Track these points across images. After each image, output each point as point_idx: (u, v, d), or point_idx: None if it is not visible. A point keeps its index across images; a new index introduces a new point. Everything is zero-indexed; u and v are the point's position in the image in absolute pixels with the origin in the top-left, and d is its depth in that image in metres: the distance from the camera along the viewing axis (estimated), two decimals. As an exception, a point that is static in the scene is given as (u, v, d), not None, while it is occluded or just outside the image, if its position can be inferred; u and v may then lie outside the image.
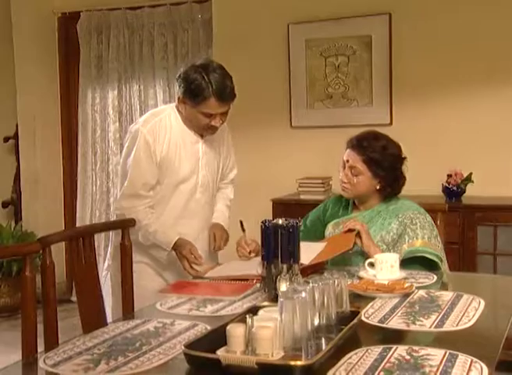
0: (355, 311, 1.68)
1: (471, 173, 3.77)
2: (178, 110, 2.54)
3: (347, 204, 2.58)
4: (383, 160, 2.42)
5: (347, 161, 2.45)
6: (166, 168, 2.50)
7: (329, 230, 2.54)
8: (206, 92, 2.38)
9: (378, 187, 2.45)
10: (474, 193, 3.76)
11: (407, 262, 2.29)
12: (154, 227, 2.49)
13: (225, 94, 2.40)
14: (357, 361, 1.42)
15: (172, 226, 2.54)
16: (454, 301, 1.90)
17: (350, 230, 2.35)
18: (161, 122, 2.51)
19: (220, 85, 2.38)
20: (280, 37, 4.29)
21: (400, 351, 1.47)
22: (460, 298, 1.92)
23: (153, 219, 2.50)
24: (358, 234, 2.33)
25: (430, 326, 1.67)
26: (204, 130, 2.52)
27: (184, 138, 2.54)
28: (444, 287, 2.22)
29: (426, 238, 2.36)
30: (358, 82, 4.15)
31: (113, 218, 2.58)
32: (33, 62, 5.04)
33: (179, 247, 2.46)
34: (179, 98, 2.50)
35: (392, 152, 2.45)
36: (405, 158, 2.48)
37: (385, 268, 2.11)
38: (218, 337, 1.47)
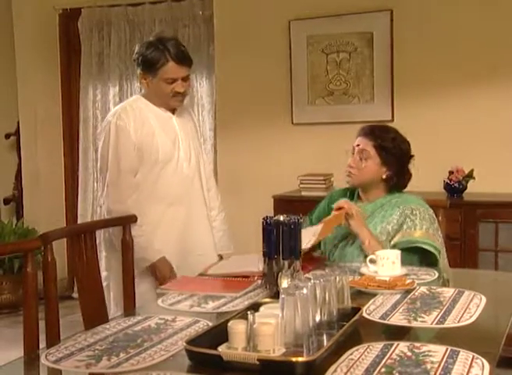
0: (356, 307, 1.67)
1: (472, 170, 3.76)
2: (144, 97, 2.61)
3: (352, 196, 2.58)
4: (394, 148, 2.44)
5: (358, 145, 2.47)
6: (146, 146, 2.52)
7: None
8: (164, 58, 2.48)
9: (384, 177, 2.46)
10: (475, 189, 3.76)
11: (405, 253, 2.28)
12: (138, 240, 2.48)
13: (183, 56, 2.52)
14: (359, 357, 1.42)
15: (164, 211, 2.55)
16: (456, 297, 1.90)
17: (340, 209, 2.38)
18: (128, 107, 2.58)
19: (176, 49, 2.50)
20: (281, 34, 4.28)
21: (402, 347, 1.47)
22: (461, 295, 1.92)
23: (138, 230, 2.49)
24: (347, 216, 2.35)
25: (431, 323, 1.67)
26: (171, 100, 2.56)
27: (157, 117, 2.59)
28: (445, 283, 2.22)
29: (424, 229, 2.36)
30: (360, 79, 4.15)
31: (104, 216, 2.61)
32: (34, 59, 5.04)
33: (157, 268, 2.52)
34: (140, 74, 2.57)
35: (402, 145, 2.47)
36: (413, 155, 2.50)
37: (387, 264, 2.11)
38: (219, 333, 1.47)
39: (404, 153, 2.48)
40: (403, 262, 2.21)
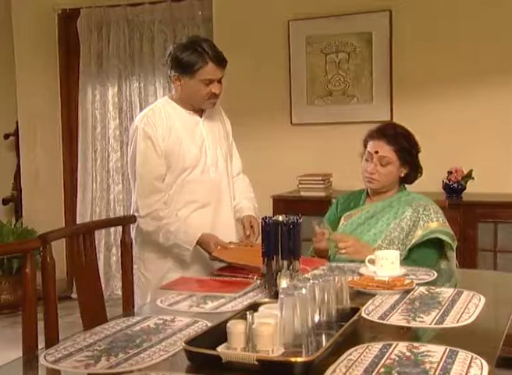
0: (355, 307, 1.67)
1: (471, 170, 3.76)
2: (172, 99, 2.60)
3: (359, 197, 2.61)
4: (411, 147, 2.50)
5: (376, 152, 2.47)
6: (172, 153, 2.51)
7: (342, 222, 2.57)
8: (203, 59, 2.46)
9: (402, 175, 2.51)
10: (474, 190, 3.76)
11: (424, 249, 2.37)
12: (175, 227, 2.48)
13: (221, 57, 2.51)
14: (358, 357, 1.42)
15: (189, 215, 2.54)
16: (454, 297, 1.90)
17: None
18: (156, 112, 2.55)
19: (214, 51, 2.50)
20: (280, 34, 4.28)
21: (401, 347, 1.47)
22: (460, 295, 1.93)
23: (173, 218, 2.50)
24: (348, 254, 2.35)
25: (430, 323, 1.67)
26: (206, 102, 2.55)
27: (184, 122, 2.57)
28: (444, 283, 2.22)
29: (441, 220, 2.42)
30: (358, 79, 4.15)
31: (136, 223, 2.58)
32: (34, 59, 5.04)
33: (202, 244, 2.47)
34: (174, 77, 2.54)
35: (414, 140, 2.53)
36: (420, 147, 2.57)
37: (386, 265, 2.12)
38: (218, 333, 1.47)
39: (416, 148, 2.54)
40: (424, 259, 2.32)
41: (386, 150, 2.46)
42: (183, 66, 2.49)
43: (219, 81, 2.53)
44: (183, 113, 2.58)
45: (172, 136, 2.52)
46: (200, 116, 2.62)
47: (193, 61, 2.46)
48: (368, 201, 2.58)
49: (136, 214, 2.51)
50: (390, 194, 2.53)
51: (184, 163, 2.53)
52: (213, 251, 2.41)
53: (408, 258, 2.38)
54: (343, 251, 2.32)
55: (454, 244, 2.43)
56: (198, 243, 2.47)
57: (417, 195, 2.53)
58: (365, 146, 2.53)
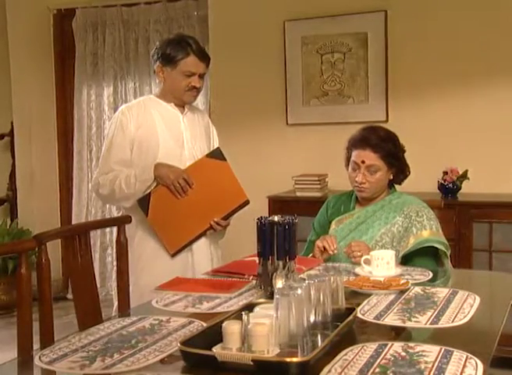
0: (351, 308, 1.68)
1: (466, 170, 3.77)
2: (156, 95, 2.69)
3: (349, 200, 2.59)
4: (396, 150, 2.47)
5: (362, 162, 2.43)
6: (146, 140, 2.58)
7: (333, 226, 2.56)
8: (185, 51, 2.56)
9: (391, 177, 2.49)
10: (469, 190, 3.77)
11: (416, 254, 2.35)
12: (129, 170, 2.55)
13: (204, 53, 2.62)
14: (353, 357, 1.42)
15: None
16: (450, 297, 1.90)
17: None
18: (135, 104, 2.69)
19: (198, 45, 2.61)
20: (276, 34, 4.28)
21: (396, 347, 1.48)
22: (455, 295, 1.93)
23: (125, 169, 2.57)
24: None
25: (426, 323, 1.68)
26: (185, 94, 2.62)
27: (163, 114, 2.64)
28: (440, 283, 2.23)
29: (434, 228, 2.40)
30: (354, 79, 4.15)
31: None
32: (29, 59, 5.03)
33: (162, 176, 2.52)
34: (157, 68, 2.61)
35: (398, 142, 2.50)
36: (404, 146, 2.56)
37: (381, 265, 2.12)
38: (214, 334, 1.47)
39: (402, 149, 2.52)
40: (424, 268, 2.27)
41: (373, 158, 2.43)
42: (166, 57, 2.58)
43: (201, 76, 2.61)
44: (163, 107, 2.65)
45: (147, 124, 2.59)
46: (182, 113, 2.68)
47: (175, 52, 2.56)
48: (358, 206, 2.56)
49: (97, 190, 2.63)
50: (381, 198, 2.52)
51: (157, 153, 2.58)
52: (174, 182, 2.49)
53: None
54: (359, 253, 2.28)
55: (448, 252, 2.40)
56: (156, 172, 2.51)
57: (408, 197, 2.51)
58: (348, 152, 2.52)
